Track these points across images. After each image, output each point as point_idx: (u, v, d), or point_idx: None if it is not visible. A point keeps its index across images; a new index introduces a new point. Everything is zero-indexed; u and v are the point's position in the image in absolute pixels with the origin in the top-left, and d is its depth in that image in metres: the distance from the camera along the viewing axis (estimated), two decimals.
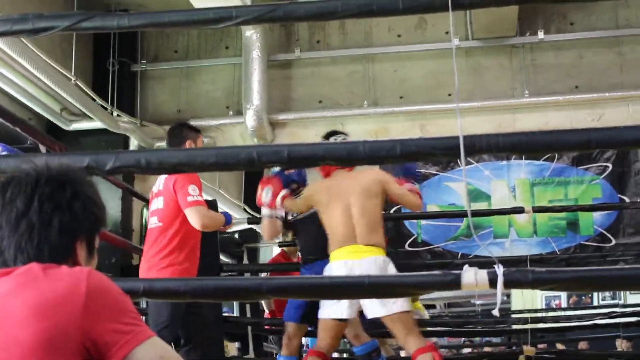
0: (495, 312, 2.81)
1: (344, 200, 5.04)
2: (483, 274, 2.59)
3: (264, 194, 5.41)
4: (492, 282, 2.58)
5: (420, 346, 4.83)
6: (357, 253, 4.90)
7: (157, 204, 5.10)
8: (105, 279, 1.72)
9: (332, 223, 5.04)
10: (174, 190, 4.98)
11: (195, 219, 4.89)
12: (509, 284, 2.59)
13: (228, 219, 5.30)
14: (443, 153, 2.87)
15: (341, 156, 2.81)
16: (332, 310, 4.88)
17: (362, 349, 5.35)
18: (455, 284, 2.64)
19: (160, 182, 5.18)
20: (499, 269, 2.56)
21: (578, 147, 3.24)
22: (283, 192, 5.35)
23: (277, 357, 5.55)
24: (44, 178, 1.81)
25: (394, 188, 5.12)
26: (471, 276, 2.59)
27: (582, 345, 10.62)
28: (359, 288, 2.98)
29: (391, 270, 4.87)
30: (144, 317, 5.26)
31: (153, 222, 5.12)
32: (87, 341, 1.63)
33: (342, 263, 4.88)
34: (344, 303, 4.85)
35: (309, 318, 5.47)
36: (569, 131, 2.86)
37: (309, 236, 5.65)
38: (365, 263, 4.84)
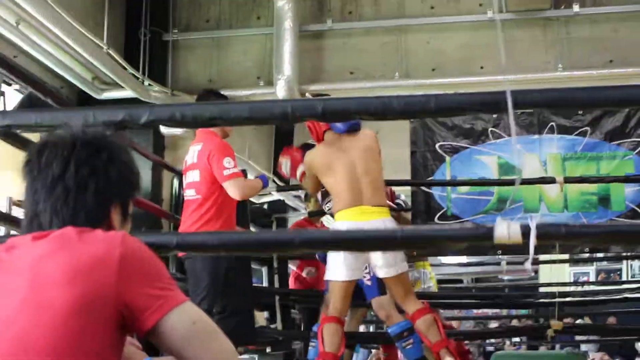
0: (527, 266, 2.77)
1: (347, 160, 5.13)
2: (516, 226, 2.55)
3: (283, 166, 5.56)
4: (525, 235, 2.54)
5: (419, 307, 4.99)
6: (365, 214, 5.01)
7: (193, 176, 5.18)
8: (139, 244, 1.72)
9: (336, 184, 5.12)
10: (209, 163, 5.03)
11: (234, 191, 4.98)
12: (542, 236, 2.54)
13: (264, 182, 5.39)
14: (477, 109, 2.83)
15: (376, 110, 2.77)
16: (339, 273, 5.07)
17: (395, 328, 5.39)
18: (488, 236, 2.59)
19: (194, 154, 5.23)
20: (532, 222, 2.51)
21: (623, 104, 3.18)
22: (301, 168, 5.47)
23: (314, 327, 5.58)
24: (80, 142, 1.81)
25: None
26: (504, 229, 2.54)
27: (610, 319, 10.61)
28: (391, 241, 2.98)
29: None
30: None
31: (190, 194, 5.20)
32: (120, 305, 1.64)
33: (348, 224, 4.98)
34: (351, 265, 5.04)
35: None
36: (606, 87, 2.80)
37: None
38: (374, 225, 4.95)
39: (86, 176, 1.78)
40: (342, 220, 5.08)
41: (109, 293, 1.63)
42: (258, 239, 3.03)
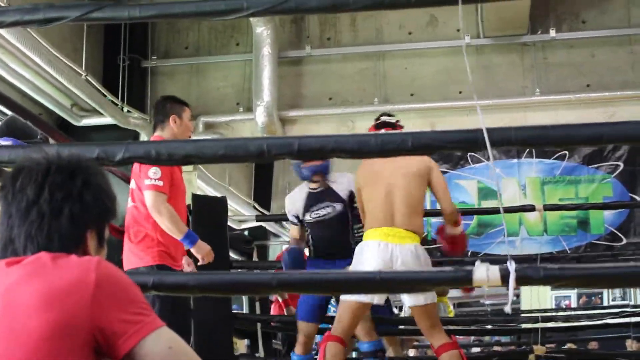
0: (507, 309, 2.78)
1: (386, 181, 4.93)
2: (495, 270, 2.56)
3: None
4: (504, 279, 2.56)
5: (445, 341, 4.84)
6: (394, 237, 4.84)
7: (132, 184, 4.98)
8: (114, 269, 1.71)
9: (370, 203, 4.96)
10: (140, 170, 4.83)
11: (149, 202, 4.69)
12: (521, 280, 2.56)
13: (188, 240, 4.83)
14: (455, 146, 2.84)
15: (352, 149, 2.78)
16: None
17: (369, 346, 5.35)
18: (467, 280, 2.61)
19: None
20: (511, 266, 2.53)
21: (590, 141, 3.23)
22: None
23: (292, 355, 5.53)
24: (55, 167, 1.79)
25: (438, 175, 5.05)
26: (483, 272, 2.56)
27: (592, 345, 10.60)
28: (370, 283, 2.95)
29: (423, 260, 4.83)
30: None
31: (129, 203, 4.98)
32: (95, 331, 1.62)
33: (376, 243, 4.81)
34: None
35: (322, 317, 5.50)
36: (581, 125, 2.83)
37: (331, 233, 5.59)
38: (404, 249, 4.78)
39: (60, 201, 1.76)
40: (368, 239, 4.86)
41: (83, 318, 1.61)
42: (236, 281, 2.99)
